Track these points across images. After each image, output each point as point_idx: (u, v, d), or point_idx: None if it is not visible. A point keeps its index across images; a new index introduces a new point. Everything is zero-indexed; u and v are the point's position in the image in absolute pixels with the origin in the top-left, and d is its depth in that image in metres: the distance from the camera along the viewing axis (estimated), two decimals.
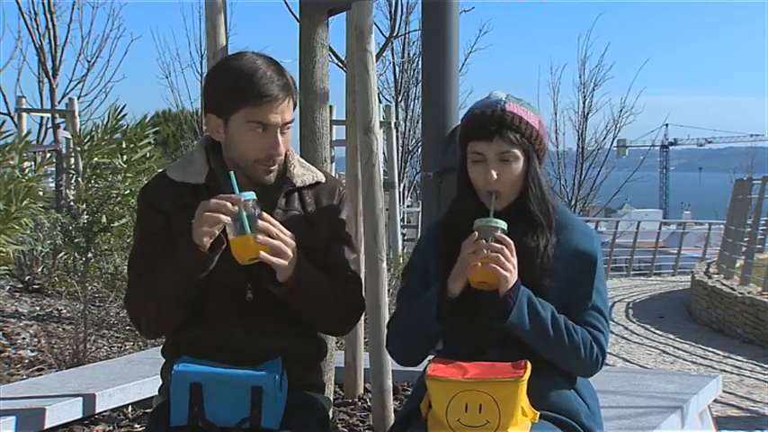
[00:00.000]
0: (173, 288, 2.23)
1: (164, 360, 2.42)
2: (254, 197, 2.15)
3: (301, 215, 2.35)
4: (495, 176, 2.24)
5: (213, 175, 2.31)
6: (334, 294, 2.33)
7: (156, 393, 2.46)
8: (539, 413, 2.15)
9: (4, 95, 13.09)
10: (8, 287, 7.27)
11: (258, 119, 2.23)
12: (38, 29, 13.22)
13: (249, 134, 2.25)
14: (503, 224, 2.19)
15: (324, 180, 2.41)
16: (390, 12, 15.97)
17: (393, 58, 17.69)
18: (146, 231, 2.35)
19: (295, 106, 2.31)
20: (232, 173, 2.19)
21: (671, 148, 73.55)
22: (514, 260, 2.19)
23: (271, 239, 2.16)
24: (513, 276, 2.18)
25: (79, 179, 5.35)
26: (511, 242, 2.19)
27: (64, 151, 9.62)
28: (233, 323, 2.29)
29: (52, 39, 13.30)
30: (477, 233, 2.19)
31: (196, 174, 2.32)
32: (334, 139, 8.48)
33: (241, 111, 2.23)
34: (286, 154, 2.36)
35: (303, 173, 2.38)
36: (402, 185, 15.50)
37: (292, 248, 2.20)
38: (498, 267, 2.16)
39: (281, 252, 2.17)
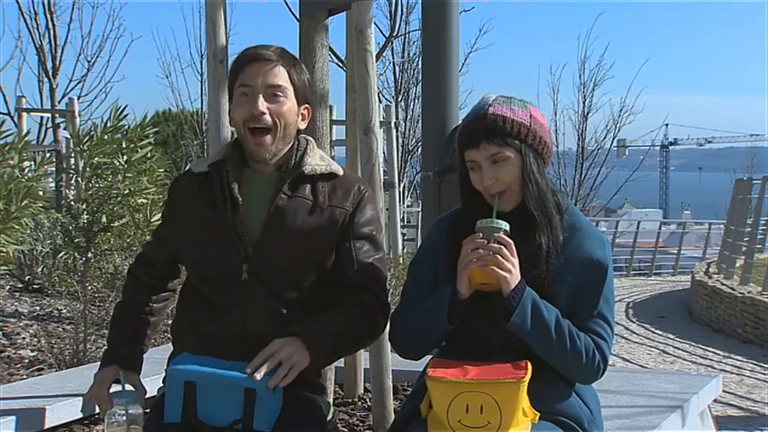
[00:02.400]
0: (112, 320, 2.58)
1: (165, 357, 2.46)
2: (139, 397, 2.35)
3: (310, 202, 2.35)
4: (491, 181, 2.24)
5: (219, 165, 2.38)
6: (355, 328, 2.34)
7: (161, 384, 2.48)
8: (539, 414, 2.14)
9: (4, 95, 13.13)
10: (8, 287, 7.27)
11: (242, 81, 2.33)
12: (38, 29, 13.26)
13: (238, 100, 2.35)
14: (504, 225, 2.18)
15: (341, 174, 2.42)
16: (390, 11, 15.99)
17: (393, 58, 17.69)
18: (161, 216, 2.57)
19: (294, 81, 2.35)
20: (121, 371, 2.43)
21: (671, 147, 73.61)
22: (515, 260, 2.18)
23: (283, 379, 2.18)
24: (513, 277, 2.17)
25: (79, 179, 5.34)
26: (510, 242, 2.18)
27: (64, 151, 9.63)
28: (229, 304, 2.32)
29: (52, 39, 13.32)
30: (480, 234, 2.19)
31: (205, 164, 2.42)
32: (334, 138, 8.48)
33: (235, 82, 2.35)
34: (306, 144, 2.42)
35: (317, 163, 2.39)
36: (402, 185, 15.48)
37: (294, 362, 2.19)
38: (496, 268, 2.16)
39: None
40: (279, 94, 2.33)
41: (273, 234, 2.31)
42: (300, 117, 2.40)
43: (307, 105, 2.41)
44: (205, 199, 2.36)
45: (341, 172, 2.42)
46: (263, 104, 2.30)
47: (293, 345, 2.19)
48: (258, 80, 2.31)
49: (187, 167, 2.56)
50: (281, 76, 2.33)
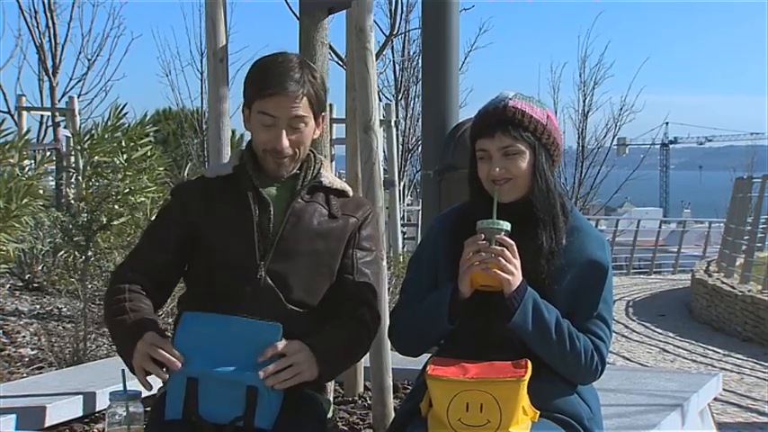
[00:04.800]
0: (108, 323, 2.38)
1: None
2: (140, 395, 2.20)
3: (325, 209, 2.43)
4: (500, 171, 2.24)
5: (242, 166, 2.43)
6: (353, 340, 2.37)
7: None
8: (539, 412, 2.14)
9: (4, 94, 13.09)
10: (8, 285, 7.26)
11: (264, 110, 2.34)
12: (38, 27, 13.22)
13: (259, 125, 2.37)
14: (506, 225, 2.18)
15: (351, 194, 2.51)
16: (390, 10, 15.92)
17: (393, 57, 17.66)
18: (159, 215, 2.51)
19: (316, 105, 2.39)
20: (123, 369, 2.24)
21: (671, 146, 73.53)
22: (517, 261, 2.18)
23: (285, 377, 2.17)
24: (516, 278, 2.17)
25: (79, 178, 5.35)
26: (512, 243, 2.17)
27: (64, 150, 9.61)
28: (241, 301, 2.33)
29: (52, 37, 13.29)
30: (481, 235, 2.18)
31: (226, 168, 2.46)
32: (334, 137, 8.48)
33: (255, 102, 2.36)
34: (322, 161, 2.48)
35: (333, 178, 2.48)
36: (402, 184, 15.46)
37: (301, 371, 2.20)
38: (499, 271, 2.16)
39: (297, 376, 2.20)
40: (301, 124, 2.37)
41: (291, 234, 2.37)
42: (317, 125, 2.45)
43: (323, 113, 2.46)
44: (229, 200, 2.39)
45: (351, 193, 2.51)
46: (286, 140, 2.35)
47: (307, 355, 2.21)
48: (282, 112, 2.33)
49: (200, 175, 2.56)
50: (302, 105, 2.35)
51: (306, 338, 2.25)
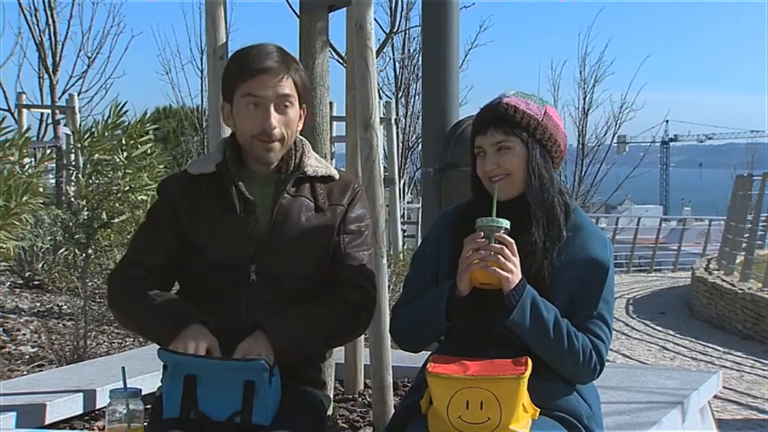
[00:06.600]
0: (137, 324, 2.43)
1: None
2: (140, 393, 2.17)
3: (311, 203, 2.39)
4: (492, 167, 2.25)
5: (225, 163, 2.39)
6: (333, 320, 2.33)
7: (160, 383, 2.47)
8: (539, 410, 2.14)
9: (4, 91, 13.07)
10: (8, 283, 7.27)
11: (249, 91, 2.32)
12: (38, 25, 13.19)
13: (245, 110, 2.34)
14: (505, 223, 2.18)
15: (337, 177, 2.46)
16: (391, 8, 15.92)
17: (393, 55, 17.65)
18: (150, 217, 2.47)
19: (298, 87, 2.36)
20: (123, 367, 2.24)
21: (671, 144, 73.47)
22: (516, 259, 2.18)
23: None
24: (515, 276, 2.17)
25: (79, 175, 5.36)
26: (512, 241, 2.18)
27: (64, 147, 9.61)
28: (236, 303, 2.32)
29: (52, 35, 13.27)
30: (480, 233, 2.19)
31: (209, 165, 2.41)
32: (334, 135, 8.48)
33: (238, 88, 2.34)
34: (303, 146, 2.45)
35: (316, 164, 2.44)
36: (402, 181, 15.48)
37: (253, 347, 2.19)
38: (498, 269, 2.16)
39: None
40: (287, 104, 2.35)
41: (280, 233, 2.34)
42: (300, 114, 2.42)
43: (304, 106, 2.43)
44: (214, 199, 2.36)
45: (337, 175, 2.46)
46: (275, 118, 2.32)
47: (259, 343, 2.20)
48: (269, 92, 2.31)
49: (183, 168, 2.55)
50: (288, 85, 2.34)
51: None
